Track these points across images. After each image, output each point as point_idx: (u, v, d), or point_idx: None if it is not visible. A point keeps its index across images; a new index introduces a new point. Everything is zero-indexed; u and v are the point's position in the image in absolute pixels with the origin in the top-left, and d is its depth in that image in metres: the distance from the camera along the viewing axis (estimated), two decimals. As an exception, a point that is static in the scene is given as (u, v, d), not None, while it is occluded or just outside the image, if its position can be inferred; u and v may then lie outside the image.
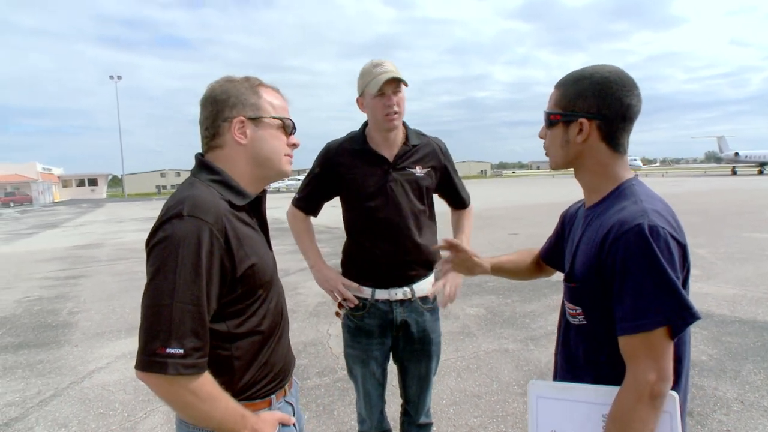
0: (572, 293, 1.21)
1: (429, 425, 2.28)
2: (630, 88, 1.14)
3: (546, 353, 4.20)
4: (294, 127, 1.33)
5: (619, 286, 1.04)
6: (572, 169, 1.26)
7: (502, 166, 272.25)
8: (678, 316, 1.00)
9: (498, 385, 3.66)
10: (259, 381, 1.25)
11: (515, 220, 14.56)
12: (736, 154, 56.02)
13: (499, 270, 1.62)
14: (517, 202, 22.45)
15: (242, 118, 1.24)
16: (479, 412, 3.28)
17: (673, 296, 1.00)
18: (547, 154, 1.28)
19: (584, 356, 1.20)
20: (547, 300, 5.74)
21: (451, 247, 1.58)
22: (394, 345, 2.12)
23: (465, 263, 1.58)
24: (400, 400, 2.30)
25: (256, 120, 1.25)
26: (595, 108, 1.14)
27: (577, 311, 1.19)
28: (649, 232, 1.01)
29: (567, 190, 28.97)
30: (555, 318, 5.34)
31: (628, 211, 1.07)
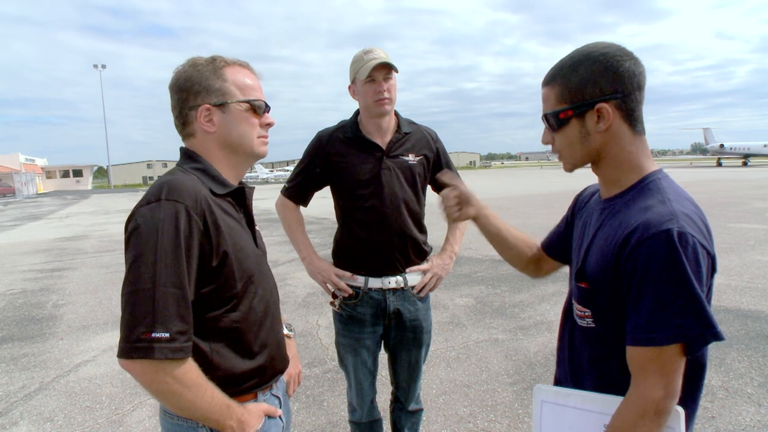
0: (583, 294, 1.11)
1: (419, 411, 2.29)
2: (631, 55, 1.05)
3: (535, 343, 4.23)
4: (267, 107, 1.29)
5: (637, 293, 0.96)
6: (591, 163, 1.13)
7: (491, 157, 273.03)
8: (697, 334, 0.92)
9: (487, 374, 3.68)
10: (239, 380, 1.21)
11: (503, 210, 14.60)
12: (721, 145, 56.74)
13: (492, 230, 1.44)
14: (505, 193, 22.54)
15: (207, 105, 1.21)
16: (469, 401, 3.29)
17: (695, 312, 0.91)
18: (560, 158, 1.15)
19: (589, 361, 1.13)
20: (536, 290, 5.78)
21: (449, 185, 1.45)
22: (385, 333, 2.12)
23: (463, 198, 1.43)
24: (388, 389, 2.29)
25: (222, 106, 1.21)
26: (610, 87, 1.03)
27: (587, 314, 1.10)
28: (678, 240, 0.92)
29: (558, 181, 29.15)
30: (544, 308, 5.39)
31: (656, 212, 0.97)
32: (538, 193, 22.20)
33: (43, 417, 3.30)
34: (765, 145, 52.37)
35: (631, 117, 1.06)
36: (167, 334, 1.01)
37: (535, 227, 10.53)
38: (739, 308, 4.90)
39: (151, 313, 1.01)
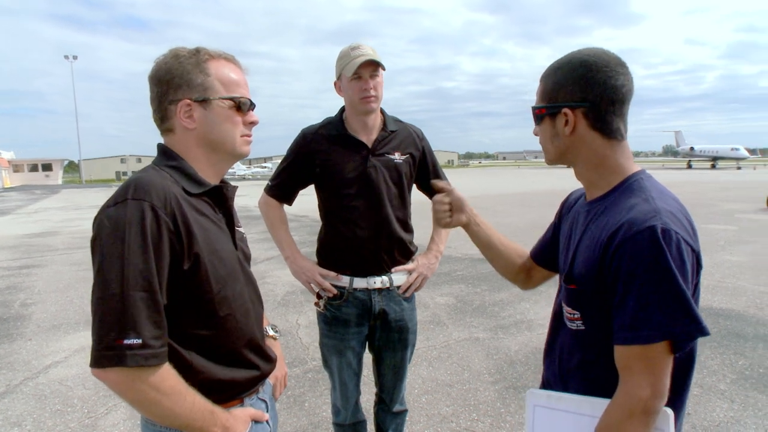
0: (571, 296, 1.11)
1: (404, 412, 2.27)
2: (613, 67, 1.05)
3: (515, 341, 4.26)
4: (251, 104, 1.23)
5: (623, 292, 0.96)
6: (569, 165, 1.17)
7: (469, 156, 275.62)
8: (683, 330, 0.92)
9: (469, 373, 3.69)
10: (222, 386, 1.16)
11: (481, 209, 14.64)
12: (692, 148, 58.47)
13: (482, 238, 1.44)
14: (482, 192, 22.73)
15: (188, 101, 1.14)
16: (451, 401, 3.29)
17: (681, 308, 0.92)
18: (543, 151, 1.20)
19: (578, 363, 1.13)
20: (515, 289, 5.79)
21: (443, 191, 1.47)
22: (370, 334, 2.09)
23: (456, 205, 1.44)
24: (371, 390, 2.26)
25: (203, 102, 1.15)
26: (578, 95, 1.06)
27: (575, 315, 1.10)
28: (662, 236, 0.92)
29: (536, 180, 29.54)
30: (523, 306, 5.44)
31: (639, 210, 0.98)
32: (515, 192, 22.47)
33: (10, 422, 3.16)
34: (732, 149, 54.25)
35: (601, 125, 1.07)
36: (139, 340, 0.96)
37: (511, 227, 10.63)
38: (710, 307, 5.03)
39: (121, 319, 0.96)
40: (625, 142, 1.11)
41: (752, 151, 64.46)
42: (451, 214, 1.45)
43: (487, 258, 1.50)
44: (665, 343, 0.94)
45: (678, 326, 0.92)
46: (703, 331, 0.93)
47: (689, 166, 56.72)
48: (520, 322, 4.74)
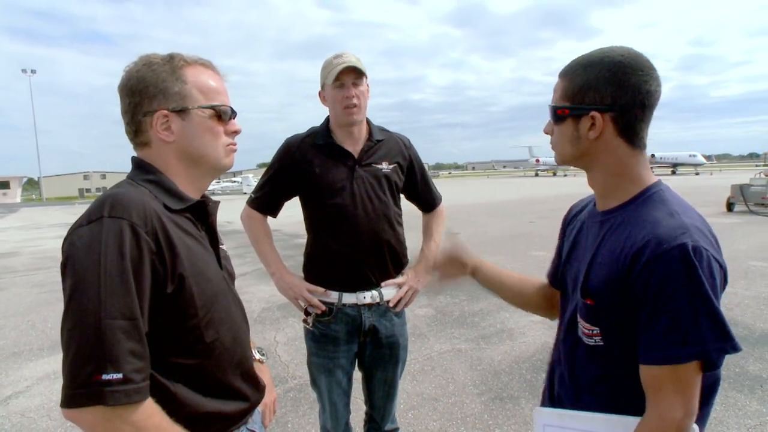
0: (589, 311, 1.05)
1: (395, 431, 2.19)
2: (647, 71, 0.99)
3: (498, 351, 4.24)
4: (232, 112, 1.16)
5: (651, 310, 0.92)
6: (583, 168, 1.11)
7: (439, 167, 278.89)
8: (716, 348, 0.89)
9: (454, 386, 3.64)
10: (209, 420, 1.08)
11: (452, 219, 14.81)
12: (653, 155, 60.80)
13: (493, 280, 1.40)
14: (456, 202, 22.93)
15: (165, 111, 1.06)
16: (438, 415, 3.23)
17: (714, 326, 0.89)
18: (553, 149, 1.14)
19: (594, 379, 1.08)
20: (494, 299, 5.77)
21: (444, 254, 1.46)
22: (359, 351, 2.02)
23: (455, 260, 1.43)
24: (361, 409, 2.19)
25: (181, 112, 1.07)
26: (609, 98, 0.99)
27: (594, 332, 1.05)
28: (694, 254, 0.89)
29: (506, 189, 30.01)
30: (503, 316, 5.41)
31: (666, 225, 0.94)
32: (488, 201, 22.75)
33: (-33, 459, 2.94)
34: (690, 155, 56.69)
35: (629, 132, 1.02)
36: (120, 375, 0.87)
37: (489, 236, 10.73)
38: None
39: (98, 352, 0.86)
40: (645, 152, 1.06)
41: (708, 157, 67.64)
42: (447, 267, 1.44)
43: (505, 299, 1.44)
44: (697, 362, 0.91)
45: (711, 344, 0.89)
46: (735, 348, 0.90)
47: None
48: (501, 332, 4.73)
